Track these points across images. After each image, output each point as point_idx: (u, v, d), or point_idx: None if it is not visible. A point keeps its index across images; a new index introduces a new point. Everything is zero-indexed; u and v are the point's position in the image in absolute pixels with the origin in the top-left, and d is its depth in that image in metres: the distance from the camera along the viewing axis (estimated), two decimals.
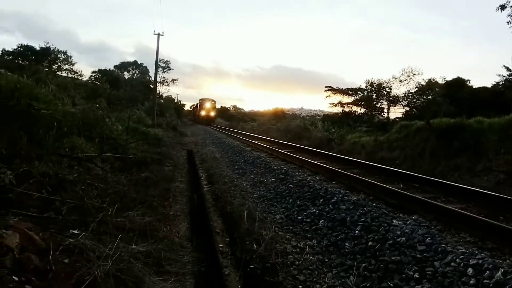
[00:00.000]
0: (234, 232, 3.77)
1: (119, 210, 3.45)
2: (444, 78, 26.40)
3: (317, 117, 41.72)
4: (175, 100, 40.94)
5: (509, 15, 16.70)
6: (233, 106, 52.38)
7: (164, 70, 39.84)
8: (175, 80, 42.35)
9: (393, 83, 26.26)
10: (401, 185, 5.49)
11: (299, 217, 3.96)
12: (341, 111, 30.16)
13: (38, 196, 3.10)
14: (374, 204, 3.90)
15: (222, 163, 8.13)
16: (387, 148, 11.23)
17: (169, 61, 40.56)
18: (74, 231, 2.86)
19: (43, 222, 2.79)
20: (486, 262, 2.45)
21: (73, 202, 3.22)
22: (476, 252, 2.64)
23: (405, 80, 25.45)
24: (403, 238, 3.10)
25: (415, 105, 25.42)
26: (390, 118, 27.60)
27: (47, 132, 4.09)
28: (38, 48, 24.76)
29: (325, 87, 31.01)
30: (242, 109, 52.11)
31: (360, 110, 29.35)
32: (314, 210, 3.99)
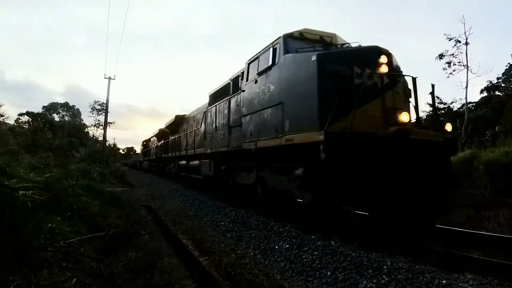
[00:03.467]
0: None
1: None
2: None
3: None
4: (112, 144, 36.81)
5: (446, 63, 20.23)
6: None
7: (99, 113, 36.75)
8: (111, 123, 39.27)
9: None
10: None
11: None
12: None
13: None
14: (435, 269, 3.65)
15: (202, 224, 7.22)
16: None
17: (103, 103, 37.87)
18: None
19: None
20: None
21: None
22: None
23: None
24: None
25: None
26: None
27: (26, 218, 3.02)
28: None
29: None
30: None
31: None
32: (369, 284, 3.54)
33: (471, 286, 3.19)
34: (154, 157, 22.31)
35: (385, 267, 3.75)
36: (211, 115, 10.31)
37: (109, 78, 20.64)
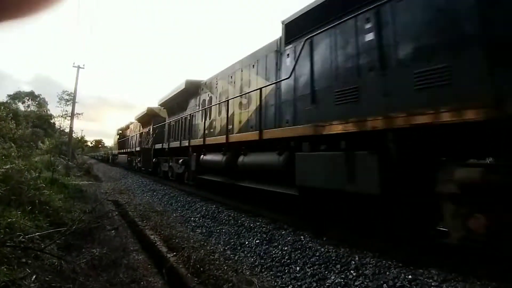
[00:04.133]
0: None
1: None
2: None
3: None
4: (80, 136, 35.24)
5: None
6: None
7: (67, 103, 35.03)
8: (79, 114, 37.51)
9: None
10: None
11: None
12: None
13: None
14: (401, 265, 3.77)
15: (171, 220, 7.11)
16: None
17: (72, 93, 36.10)
18: None
19: None
20: None
21: None
22: None
23: None
24: None
25: None
26: None
27: None
28: None
29: None
30: None
31: None
32: (337, 279, 3.66)
33: (436, 281, 3.34)
34: (137, 148, 16.24)
35: (353, 262, 3.87)
36: (329, 50, 4.87)
37: (78, 67, 19.74)
